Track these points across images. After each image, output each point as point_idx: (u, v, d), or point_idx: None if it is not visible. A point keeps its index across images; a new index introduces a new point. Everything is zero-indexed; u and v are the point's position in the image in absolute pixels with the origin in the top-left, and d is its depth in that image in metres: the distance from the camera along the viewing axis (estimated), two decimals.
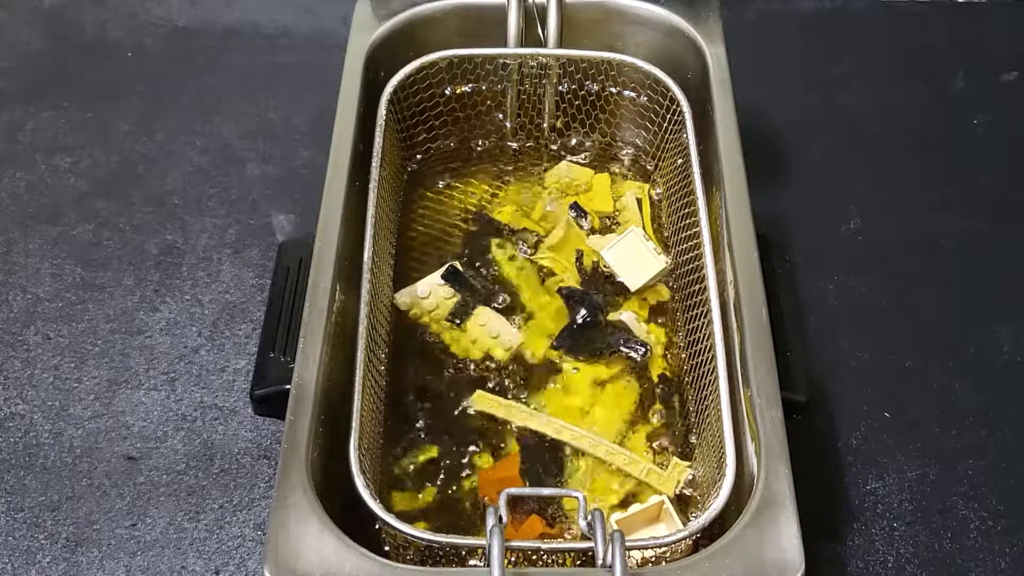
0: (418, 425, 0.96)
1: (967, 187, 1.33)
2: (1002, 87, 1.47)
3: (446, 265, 1.05)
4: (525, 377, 0.99)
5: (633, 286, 1.04)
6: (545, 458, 0.93)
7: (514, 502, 0.89)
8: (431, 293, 1.04)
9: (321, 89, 1.36)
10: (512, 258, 1.08)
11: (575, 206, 1.11)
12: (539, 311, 1.04)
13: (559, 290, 1.04)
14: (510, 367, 0.99)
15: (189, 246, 1.25)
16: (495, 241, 1.10)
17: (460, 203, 1.13)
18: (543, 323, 1.03)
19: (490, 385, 0.98)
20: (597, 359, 1.00)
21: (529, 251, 1.09)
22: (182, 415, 1.10)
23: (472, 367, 1.00)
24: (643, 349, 1.00)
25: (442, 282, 1.04)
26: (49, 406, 1.11)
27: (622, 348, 1.00)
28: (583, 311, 1.02)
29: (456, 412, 0.96)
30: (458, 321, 1.02)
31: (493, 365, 1.00)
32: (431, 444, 0.94)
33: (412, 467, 0.93)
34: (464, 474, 0.93)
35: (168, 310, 1.19)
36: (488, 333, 1.01)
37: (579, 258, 1.07)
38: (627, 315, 1.03)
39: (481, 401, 0.97)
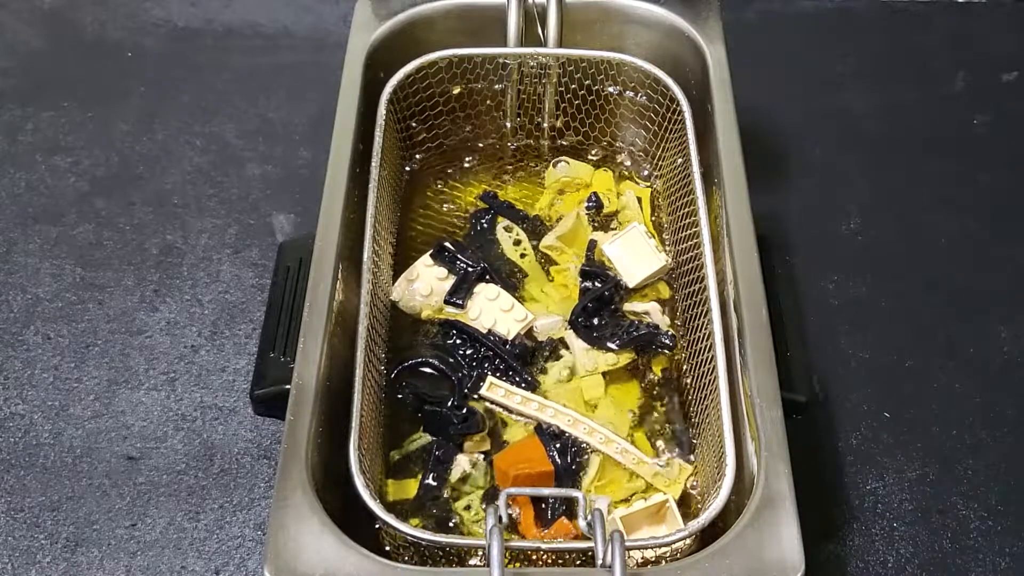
0: (419, 416, 0.95)
1: (967, 187, 1.33)
2: (1002, 87, 1.47)
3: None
4: (531, 362, 0.99)
5: (632, 282, 1.04)
6: (557, 450, 0.92)
7: (543, 504, 0.88)
8: (419, 276, 1.02)
9: (321, 89, 1.37)
10: (517, 243, 1.08)
11: (594, 196, 1.11)
12: (543, 298, 1.04)
13: (582, 268, 1.03)
14: (517, 350, 0.98)
15: (189, 246, 1.25)
16: (502, 224, 1.09)
17: (460, 203, 1.13)
18: (547, 312, 1.03)
19: (496, 372, 0.98)
20: (616, 348, 0.99)
21: (534, 239, 1.08)
22: (182, 415, 1.10)
23: (476, 353, 0.99)
24: (671, 341, 0.99)
25: (430, 262, 1.04)
26: (49, 406, 1.11)
27: (650, 339, 0.99)
28: (600, 284, 1.01)
29: (463, 402, 0.95)
30: (459, 301, 1.01)
31: (498, 350, 0.98)
32: (430, 434, 0.94)
33: (411, 456, 0.93)
34: (466, 466, 0.92)
35: (168, 310, 1.19)
36: (500, 307, 1.00)
37: (591, 248, 1.07)
38: (651, 305, 1.03)
39: (492, 389, 0.96)
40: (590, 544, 0.74)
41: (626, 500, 0.90)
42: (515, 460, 0.90)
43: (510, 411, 0.95)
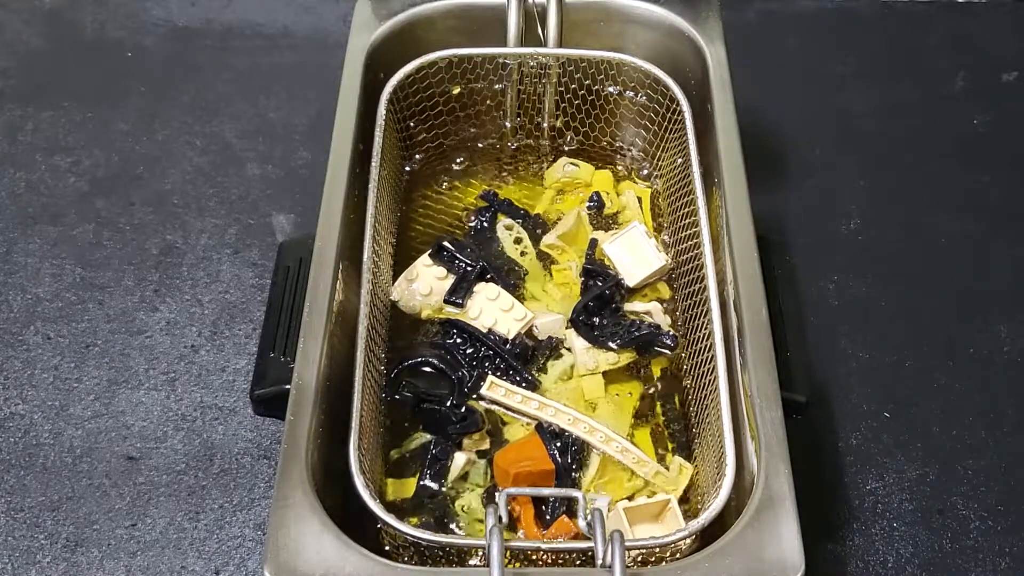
0: (417, 413, 0.95)
1: (967, 187, 1.34)
2: (1002, 87, 1.47)
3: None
4: (531, 361, 0.99)
5: (632, 282, 1.04)
6: (558, 449, 0.92)
7: (543, 504, 0.88)
8: (418, 275, 1.02)
9: (321, 89, 1.37)
10: (518, 241, 1.08)
11: (595, 196, 1.11)
12: (544, 297, 1.04)
13: (584, 267, 1.03)
14: (517, 349, 0.98)
15: (189, 246, 1.26)
16: (502, 222, 1.09)
17: (460, 203, 1.13)
18: (548, 310, 1.02)
19: (497, 372, 0.98)
20: (617, 348, 0.99)
21: (535, 237, 1.08)
22: (182, 415, 1.10)
23: (476, 352, 0.99)
24: (672, 342, 0.99)
25: (430, 262, 1.04)
26: (49, 406, 1.11)
27: (652, 340, 0.99)
28: (601, 283, 1.01)
29: (463, 401, 0.95)
30: (459, 300, 1.01)
31: (498, 350, 0.98)
32: (429, 433, 0.94)
33: (411, 455, 0.93)
34: (465, 464, 0.92)
35: (168, 310, 1.19)
36: (500, 307, 1.00)
37: (591, 247, 1.06)
38: (653, 305, 1.02)
39: (493, 389, 0.96)
40: (590, 544, 0.74)
41: (628, 499, 0.90)
42: (516, 458, 0.90)
43: (510, 410, 0.95)
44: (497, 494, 0.79)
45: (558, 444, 0.91)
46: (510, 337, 0.99)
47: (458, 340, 0.99)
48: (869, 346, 1.17)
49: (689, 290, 0.99)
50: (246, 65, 1.48)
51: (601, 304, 1.01)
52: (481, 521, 0.88)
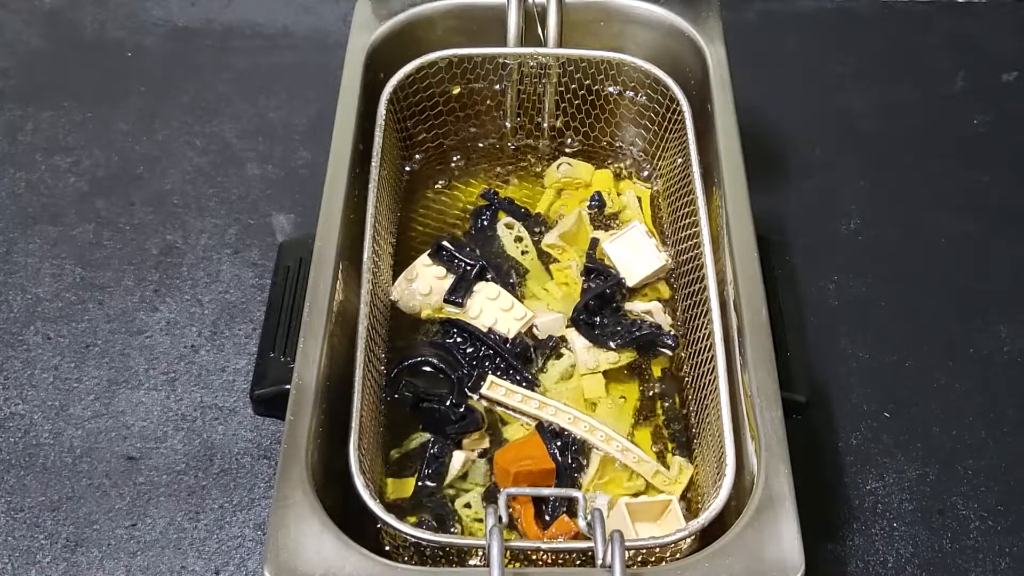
0: (417, 411, 0.95)
1: (967, 187, 1.34)
2: (1002, 87, 1.47)
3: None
4: (531, 360, 0.98)
5: (632, 281, 1.04)
6: (558, 448, 0.92)
7: (543, 503, 0.88)
8: (418, 275, 1.02)
9: (321, 89, 1.37)
10: (519, 239, 1.08)
11: (597, 195, 1.11)
12: (545, 295, 1.04)
13: (585, 265, 1.03)
14: (517, 349, 0.98)
15: (189, 246, 1.26)
16: (504, 221, 1.09)
17: (460, 202, 1.13)
18: (549, 309, 1.02)
19: (497, 371, 0.98)
20: (618, 347, 0.99)
21: (537, 236, 1.08)
22: (182, 415, 1.10)
23: (476, 352, 0.99)
24: (673, 342, 0.99)
25: (429, 262, 1.04)
26: (49, 406, 1.11)
27: (652, 340, 0.99)
28: (602, 282, 1.01)
29: (463, 400, 0.95)
30: (459, 300, 1.01)
31: (498, 349, 0.98)
32: (429, 432, 0.94)
33: (411, 454, 0.93)
34: (464, 463, 0.92)
35: (168, 310, 1.19)
36: (500, 307, 1.00)
37: (592, 246, 1.06)
38: (654, 305, 1.02)
39: (493, 388, 0.96)
40: (590, 544, 0.74)
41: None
42: (516, 457, 0.90)
43: (511, 410, 0.95)
44: (497, 494, 0.79)
45: (558, 443, 0.91)
46: (510, 336, 0.99)
47: (458, 339, 0.99)
48: (869, 346, 1.17)
49: (689, 290, 0.99)
50: (246, 65, 1.48)
51: (602, 303, 1.01)
52: (481, 521, 0.88)
